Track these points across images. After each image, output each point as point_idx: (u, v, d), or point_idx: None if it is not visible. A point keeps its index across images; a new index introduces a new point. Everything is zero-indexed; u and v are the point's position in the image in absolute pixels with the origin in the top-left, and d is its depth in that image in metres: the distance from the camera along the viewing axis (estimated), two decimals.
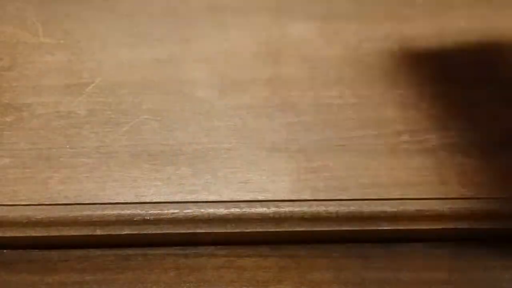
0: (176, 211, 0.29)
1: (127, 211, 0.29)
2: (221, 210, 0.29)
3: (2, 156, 0.31)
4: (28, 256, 0.29)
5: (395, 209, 0.29)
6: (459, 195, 0.29)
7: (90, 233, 0.29)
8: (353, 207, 0.29)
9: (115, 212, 0.29)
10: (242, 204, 0.29)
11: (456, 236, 0.28)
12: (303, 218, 0.29)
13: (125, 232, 0.29)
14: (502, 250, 0.28)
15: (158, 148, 0.31)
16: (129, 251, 0.29)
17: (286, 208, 0.29)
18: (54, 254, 0.29)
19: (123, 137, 0.31)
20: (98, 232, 0.29)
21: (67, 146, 0.31)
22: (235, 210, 0.29)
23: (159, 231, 0.29)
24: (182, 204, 0.29)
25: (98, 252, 0.29)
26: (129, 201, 0.29)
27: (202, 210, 0.29)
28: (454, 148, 0.30)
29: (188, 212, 0.29)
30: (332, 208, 0.29)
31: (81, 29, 0.33)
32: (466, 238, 0.28)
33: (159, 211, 0.29)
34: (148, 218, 0.29)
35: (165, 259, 0.28)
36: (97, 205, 0.29)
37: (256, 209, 0.29)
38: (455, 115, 0.31)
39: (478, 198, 0.29)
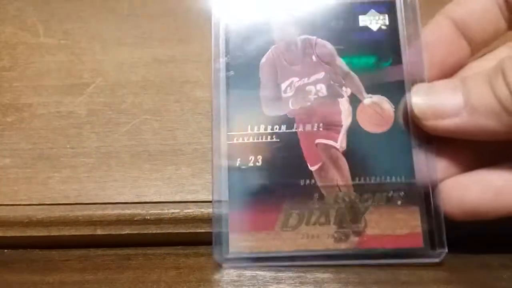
0: (176, 210, 0.29)
1: (128, 211, 0.29)
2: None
3: (3, 156, 0.31)
4: (29, 255, 0.30)
5: None
6: None
7: (90, 233, 0.29)
8: None
9: (116, 211, 0.29)
10: None
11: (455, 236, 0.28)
12: None
13: (126, 232, 0.29)
14: (501, 250, 0.28)
15: (158, 148, 0.31)
16: (130, 251, 0.29)
17: None
18: (55, 253, 0.29)
19: (123, 137, 0.31)
20: (99, 231, 0.29)
21: (68, 146, 0.31)
22: None
23: (159, 231, 0.29)
24: (182, 203, 0.29)
25: (98, 251, 0.30)
26: (129, 201, 0.29)
27: (202, 210, 0.29)
28: None
29: (188, 212, 0.29)
30: None
31: (82, 29, 0.33)
32: (465, 238, 0.28)
33: (159, 211, 0.29)
34: (149, 217, 0.29)
35: (165, 258, 0.28)
36: (97, 205, 0.29)
37: None
38: None
39: None
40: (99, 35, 0.33)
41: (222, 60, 0.29)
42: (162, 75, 0.32)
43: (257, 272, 0.26)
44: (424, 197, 0.27)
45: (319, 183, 0.27)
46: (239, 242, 0.27)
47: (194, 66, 0.32)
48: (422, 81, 0.28)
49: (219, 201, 0.27)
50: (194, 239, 0.29)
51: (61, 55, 0.33)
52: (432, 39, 0.28)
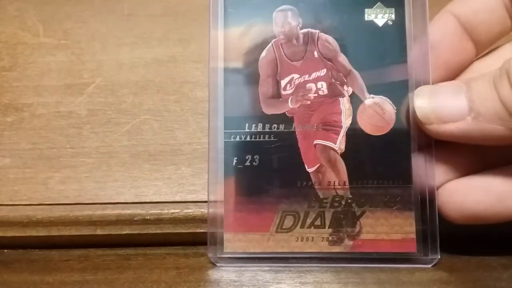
0: (176, 211, 0.29)
1: (128, 211, 0.29)
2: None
3: (3, 156, 0.31)
4: (29, 255, 0.30)
5: None
6: None
7: (90, 233, 0.29)
8: None
9: (116, 212, 0.29)
10: None
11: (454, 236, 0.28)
12: None
13: (126, 232, 0.29)
14: (500, 250, 0.28)
15: (158, 148, 0.31)
16: (130, 251, 0.29)
17: None
18: (55, 253, 0.29)
19: (123, 137, 0.31)
20: (99, 231, 0.29)
21: (68, 146, 0.31)
22: None
23: (159, 231, 0.29)
24: (182, 203, 0.29)
25: (98, 251, 0.30)
26: (129, 201, 0.29)
27: (202, 210, 0.29)
28: None
29: (188, 212, 0.29)
30: None
31: (82, 29, 0.33)
32: (465, 238, 0.28)
33: (159, 211, 0.29)
34: (149, 218, 0.29)
35: (165, 258, 0.28)
36: (97, 205, 0.29)
37: None
38: None
39: None
40: (99, 35, 0.33)
41: (220, 54, 0.28)
42: (162, 75, 0.32)
43: (257, 272, 0.26)
44: (420, 203, 0.27)
45: (316, 185, 0.27)
46: (233, 242, 0.27)
47: (194, 66, 0.32)
48: (426, 82, 0.27)
49: (215, 201, 0.27)
50: (194, 239, 0.29)
51: (61, 55, 0.33)
52: (437, 39, 0.27)
